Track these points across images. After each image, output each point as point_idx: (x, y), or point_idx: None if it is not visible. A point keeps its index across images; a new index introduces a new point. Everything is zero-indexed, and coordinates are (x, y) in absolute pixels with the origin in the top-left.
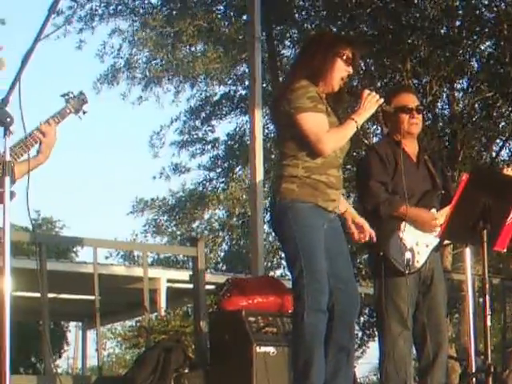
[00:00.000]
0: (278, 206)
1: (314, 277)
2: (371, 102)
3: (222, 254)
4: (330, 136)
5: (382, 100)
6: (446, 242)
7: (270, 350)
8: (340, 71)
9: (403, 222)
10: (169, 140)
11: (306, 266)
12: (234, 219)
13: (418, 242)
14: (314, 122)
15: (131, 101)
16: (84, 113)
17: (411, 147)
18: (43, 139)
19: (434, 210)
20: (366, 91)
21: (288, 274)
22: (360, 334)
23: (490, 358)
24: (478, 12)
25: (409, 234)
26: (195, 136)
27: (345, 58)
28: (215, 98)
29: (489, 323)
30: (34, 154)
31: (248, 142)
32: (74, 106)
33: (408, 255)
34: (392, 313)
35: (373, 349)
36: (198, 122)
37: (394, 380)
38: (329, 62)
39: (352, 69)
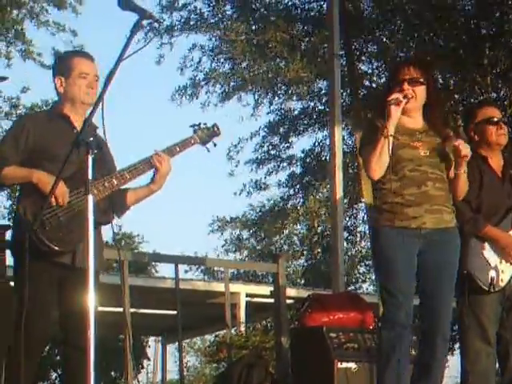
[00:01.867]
0: (369, 234)
1: (390, 293)
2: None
3: (301, 268)
4: (368, 158)
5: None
6: None
7: (352, 365)
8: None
9: (487, 241)
10: (246, 154)
11: (383, 285)
12: (314, 234)
13: (501, 261)
14: (366, 152)
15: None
16: (215, 145)
17: (496, 162)
18: (160, 168)
19: None
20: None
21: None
22: None
23: None
24: None
25: (492, 253)
26: (271, 153)
27: (398, 80)
28: (294, 113)
29: None
30: (147, 182)
31: (326, 158)
32: (201, 136)
33: (492, 274)
34: (475, 330)
35: (453, 363)
36: (276, 139)
37: None
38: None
39: (412, 85)
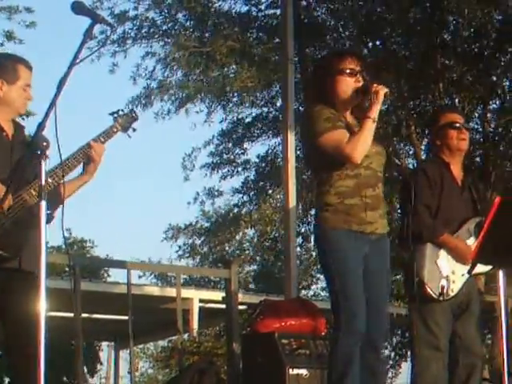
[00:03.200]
0: (316, 234)
1: (348, 301)
2: (378, 94)
3: (254, 274)
4: (352, 142)
5: (386, 89)
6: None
7: (303, 372)
8: (348, 87)
9: (442, 249)
10: (200, 162)
11: (341, 291)
12: (266, 239)
13: (454, 271)
14: (334, 138)
15: (164, 116)
16: (134, 130)
17: (457, 169)
18: (97, 158)
19: (472, 239)
20: (374, 85)
21: (320, 293)
22: (392, 354)
23: None
24: (510, 32)
25: (446, 262)
26: (226, 158)
27: (348, 71)
28: (247, 120)
29: None
30: (79, 173)
31: (280, 164)
32: (122, 124)
33: (443, 283)
34: (425, 337)
35: (406, 369)
36: (230, 145)
37: None
38: (334, 82)
39: (362, 77)
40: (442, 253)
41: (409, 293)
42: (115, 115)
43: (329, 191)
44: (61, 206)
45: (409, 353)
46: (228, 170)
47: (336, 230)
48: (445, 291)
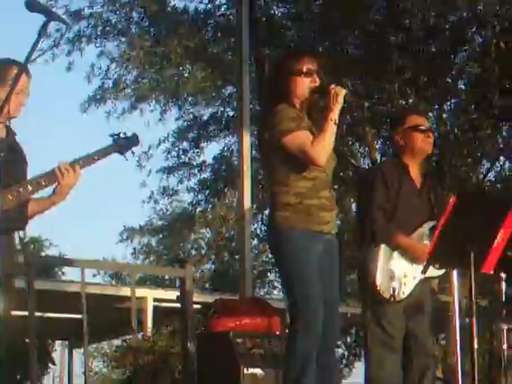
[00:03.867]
0: (273, 233)
1: (307, 302)
2: (338, 96)
3: (209, 274)
4: (317, 145)
5: (345, 91)
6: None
7: (258, 371)
8: (306, 86)
9: (395, 251)
10: (156, 161)
11: (300, 292)
12: (221, 240)
13: (406, 273)
14: (300, 140)
15: (118, 116)
16: (133, 154)
17: (416, 172)
18: (61, 180)
19: (427, 242)
20: (332, 85)
21: (275, 293)
22: (346, 353)
23: (476, 380)
24: (465, 33)
25: (399, 264)
26: (182, 161)
27: (305, 70)
28: (203, 119)
29: (475, 345)
30: (49, 193)
31: (235, 163)
32: (121, 146)
33: (394, 285)
34: (379, 337)
35: (359, 369)
36: (185, 144)
37: None
38: (291, 82)
39: (318, 77)
40: (396, 255)
41: (362, 294)
42: (115, 137)
43: (287, 191)
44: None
45: (363, 352)
46: (184, 173)
47: (296, 230)
48: (396, 293)
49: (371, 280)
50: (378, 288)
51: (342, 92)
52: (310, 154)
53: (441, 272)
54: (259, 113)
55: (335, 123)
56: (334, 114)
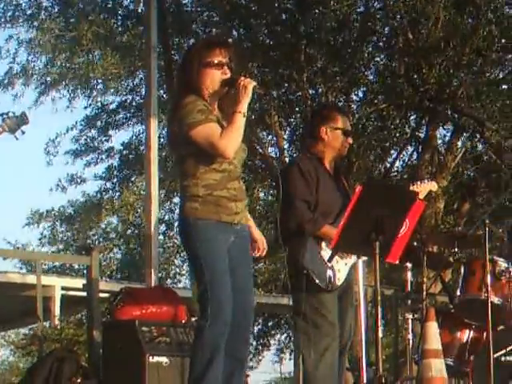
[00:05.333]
0: (183, 224)
1: (216, 291)
2: (247, 89)
3: (117, 262)
4: (225, 138)
5: (254, 83)
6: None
7: (163, 359)
8: (216, 78)
9: (323, 241)
10: (64, 148)
11: (210, 281)
12: (129, 228)
13: (338, 260)
14: (207, 132)
15: (28, 105)
16: (23, 133)
17: (329, 162)
18: None
19: None
20: (241, 78)
21: (182, 282)
22: (254, 343)
23: (381, 369)
24: (373, 24)
25: (329, 253)
26: (90, 146)
27: (216, 62)
28: (111, 107)
29: (380, 334)
30: None
31: (144, 152)
32: (9, 125)
33: (329, 273)
34: (321, 326)
35: (267, 358)
36: (94, 132)
37: None
38: (201, 74)
39: (229, 69)
40: (324, 244)
41: (296, 285)
42: (4, 116)
43: (197, 183)
44: None
45: (272, 341)
46: (92, 158)
47: (206, 221)
48: (332, 281)
49: (306, 271)
50: (314, 278)
51: (251, 84)
52: (217, 146)
53: (365, 258)
54: (169, 103)
55: (244, 115)
56: (243, 107)
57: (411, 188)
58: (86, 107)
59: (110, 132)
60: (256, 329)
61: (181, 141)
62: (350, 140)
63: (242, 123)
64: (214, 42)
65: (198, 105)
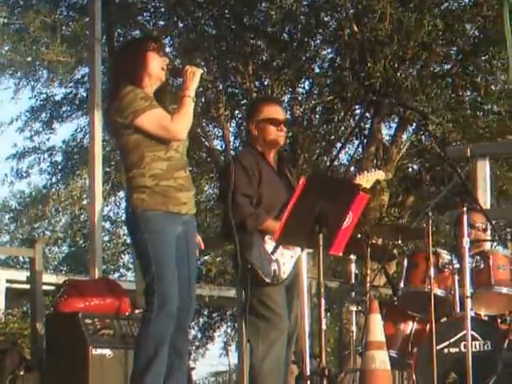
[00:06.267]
0: (130, 216)
1: (163, 283)
2: (194, 75)
3: (63, 255)
4: (176, 121)
5: (201, 71)
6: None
7: (107, 352)
8: (157, 62)
9: (267, 235)
10: (9, 139)
11: (157, 273)
12: (74, 221)
13: (282, 253)
14: (156, 117)
15: None
16: None
17: (272, 156)
18: None
19: None
20: (187, 66)
21: (127, 275)
22: (199, 335)
23: (324, 361)
24: (320, 17)
25: (273, 246)
26: (33, 145)
27: (155, 47)
28: (56, 99)
29: (324, 326)
30: None
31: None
32: None
33: (274, 266)
34: (269, 320)
35: (212, 351)
36: (38, 125)
37: (270, 380)
38: (142, 59)
39: (166, 58)
40: (268, 238)
41: (242, 279)
42: None
43: (143, 174)
44: None
45: (217, 334)
46: (35, 159)
47: (154, 212)
48: (277, 274)
49: (251, 266)
50: (259, 273)
51: (199, 72)
52: (170, 127)
53: (310, 250)
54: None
55: (193, 100)
56: (191, 91)
57: (357, 178)
58: (30, 98)
59: (55, 125)
60: (201, 321)
61: (125, 131)
62: (283, 128)
63: (191, 107)
64: (152, 35)
65: (139, 93)
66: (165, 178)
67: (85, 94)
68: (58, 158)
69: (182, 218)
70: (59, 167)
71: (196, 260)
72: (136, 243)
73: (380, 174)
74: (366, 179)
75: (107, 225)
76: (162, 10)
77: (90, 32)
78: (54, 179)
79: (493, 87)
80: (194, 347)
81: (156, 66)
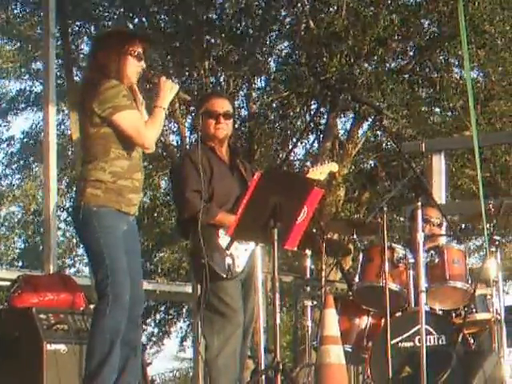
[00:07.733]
0: (82, 209)
1: (116, 276)
2: (170, 88)
3: (18, 250)
4: (149, 129)
5: (178, 86)
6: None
7: (61, 347)
8: (134, 67)
9: (220, 229)
10: None
11: (109, 267)
12: (30, 216)
13: (236, 247)
14: (133, 118)
15: None
16: None
17: (223, 150)
18: None
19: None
20: (163, 78)
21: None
22: (156, 330)
23: (278, 356)
24: (276, 12)
25: (226, 240)
26: None
27: (136, 54)
28: (11, 94)
29: (278, 321)
30: None
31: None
32: None
33: (228, 260)
34: (224, 313)
35: (169, 347)
36: None
37: (225, 375)
38: (122, 61)
39: (144, 62)
40: (221, 232)
41: (197, 274)
42: None
43: (103, 168)
44: None
45: (172, 329)
46: None
47: (107, 208)
48: (232, 268)
49: (204, 261)
50: (214, 267)
51: (176, 87)
52: (143, 134)
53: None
54: (69, 91)
55: (164, 110)
56: (164, 102)
57: (311, 171)
58: None
59: (9, 118)
60: (158, 317)
61: (98, 122)
62: (221, 120)
63: (163, 118)
64: (134, 33)
65: (122, 90)
66: (123, 177)
67: (39, 89)
68: (15, 148)
69: (129, 218)
70: (14, 159)
71: (140, 257)
72: (87, 238)
73: (333, 166)
74: (320, 171)
75: (63, 216)
76: (117, 3)
77: (44, 26)
78: (8, 171)
79: (448, 83)
80: (151, 343)
81: (133, 71)
